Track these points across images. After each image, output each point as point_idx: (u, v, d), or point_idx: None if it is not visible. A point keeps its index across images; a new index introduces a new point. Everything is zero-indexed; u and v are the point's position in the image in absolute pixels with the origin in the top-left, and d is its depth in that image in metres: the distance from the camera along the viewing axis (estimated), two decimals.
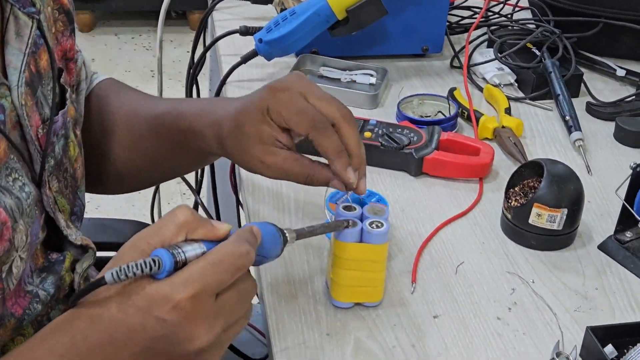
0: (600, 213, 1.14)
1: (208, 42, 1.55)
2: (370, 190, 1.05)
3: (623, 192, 1.06)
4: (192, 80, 1.49)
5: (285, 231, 0.85)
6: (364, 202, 0.98)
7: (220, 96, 1.37)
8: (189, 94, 1.50)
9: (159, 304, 0.70)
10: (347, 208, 0.95)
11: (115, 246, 1.29)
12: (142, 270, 0.70)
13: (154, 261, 0.70)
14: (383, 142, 1.19)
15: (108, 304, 0.71)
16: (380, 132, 1.20)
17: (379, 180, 1.18)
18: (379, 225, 0.93)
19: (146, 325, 0.70)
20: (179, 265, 0.72)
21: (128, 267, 0.70)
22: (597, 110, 1.36)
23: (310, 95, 0.93)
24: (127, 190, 1.15)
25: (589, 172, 1.22)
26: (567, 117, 1.30)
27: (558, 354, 0.91)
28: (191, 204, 1.69)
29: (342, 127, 0.92)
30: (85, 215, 1.01)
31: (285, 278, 1.00)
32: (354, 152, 0.93)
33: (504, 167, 1.22)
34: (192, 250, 0.73)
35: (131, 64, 3.92)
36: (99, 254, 0.99)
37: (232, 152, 0.96)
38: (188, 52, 3.72)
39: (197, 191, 1.60)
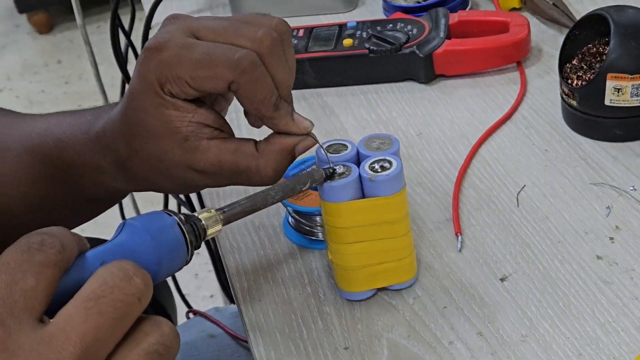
0: None
1: None
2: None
3: None
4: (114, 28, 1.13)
5: (202, 219, 0.52)
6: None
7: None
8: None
9: None
10: (334, 149, 0.61)
11: None
12: None
13: None
14: (371, 47, 0.84)
15: None
16: (364, 35, 0.86)
17: (378, 101, 0.84)
18: (386, 165, 0.59)
19: None
20: None
21: None
22: None
23: (204, 30, 0.60)
24: None
25: None
26: None
27: None
28: None
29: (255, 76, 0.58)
30: None
31: (266, 275, 0.67)
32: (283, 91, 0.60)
33: (547, 40, 0.88)
34: None
35: (101, 55, 3.58)
36: None
37: (145, 173, 0.64)
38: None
39: None
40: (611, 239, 0.64)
